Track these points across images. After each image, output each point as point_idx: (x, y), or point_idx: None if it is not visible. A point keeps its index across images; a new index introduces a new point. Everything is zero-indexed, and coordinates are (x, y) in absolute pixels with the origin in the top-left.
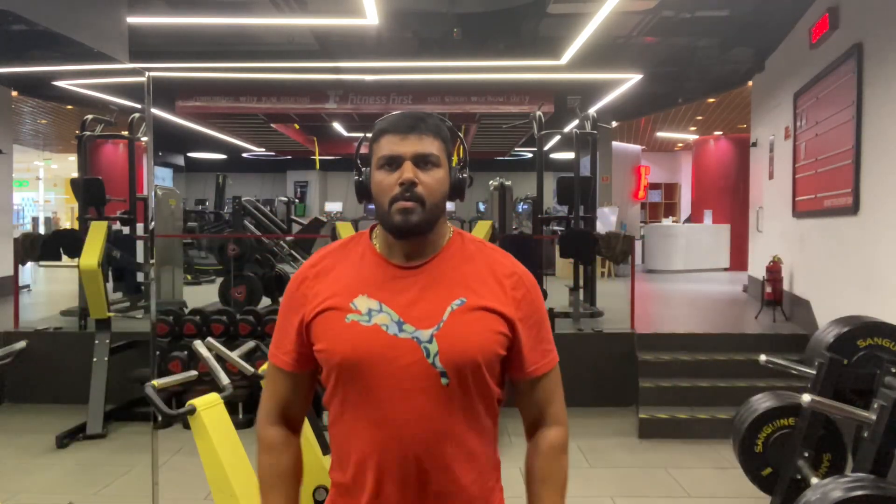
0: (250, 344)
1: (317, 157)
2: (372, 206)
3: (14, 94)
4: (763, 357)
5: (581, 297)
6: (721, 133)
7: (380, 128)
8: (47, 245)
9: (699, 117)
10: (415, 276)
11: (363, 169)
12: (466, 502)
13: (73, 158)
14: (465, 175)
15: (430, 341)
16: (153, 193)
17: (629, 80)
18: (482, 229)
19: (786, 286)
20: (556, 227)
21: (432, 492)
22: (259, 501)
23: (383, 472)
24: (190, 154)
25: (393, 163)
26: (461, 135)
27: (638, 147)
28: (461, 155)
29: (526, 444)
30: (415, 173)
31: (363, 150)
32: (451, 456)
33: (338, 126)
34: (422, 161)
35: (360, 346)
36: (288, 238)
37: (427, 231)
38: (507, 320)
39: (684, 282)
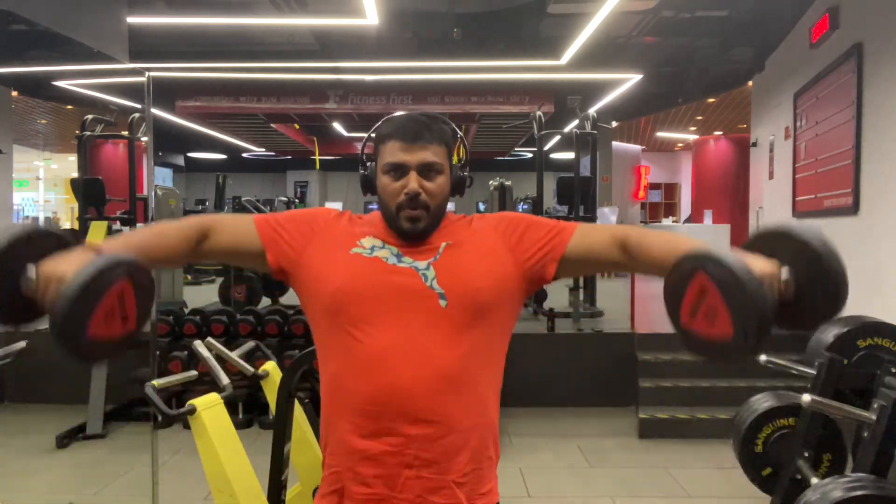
0: (250, 344)
1: (317, 157)
2: (372, 206)
3: (14, 94)
4: (763, 357)
5: (581, 297)
6: (721, 133)
7: (386, 132)
8: None
9: (699, 117)
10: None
11: (369, 164)
12: (460, 435)
13: (73, 158)
14: (465, 173)
15: (427, 268)
16: (153, 193)
17: (629, 80)
18: None
19: None
20: None
21: (423, 420)
22: (258, 501)
23: (378, 405)
24: (190, 154)
25: (398, 170)
26: (462, 134)
27: (638, 147)
28: (461, 154)
29: (626, 260)
30: (420, 183)
31: (367, 150)
32: (447, 388)
33: (338, 126)
34: (426, 169)
35: (358, 273)
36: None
37: (431, 232)
38: (502, 251)
39: None
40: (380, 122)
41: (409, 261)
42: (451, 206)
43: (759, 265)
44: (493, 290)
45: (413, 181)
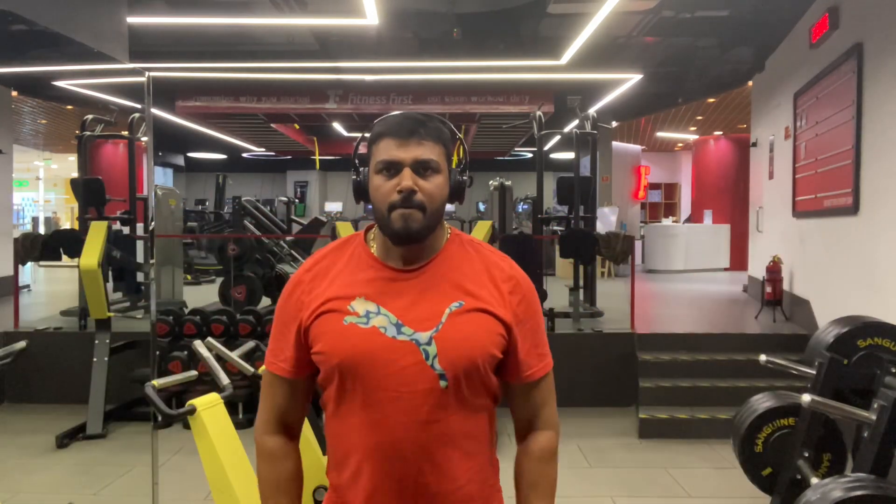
0: (250, 344)
1: (317, 157)
2: (371, 207)
3: (14, 94)
4: (763, 357)
5: (581, 297)
6: (721, 133)
7: (378, 130)
8: (47, 245)
9: (699, 117)
10: (413, 278)
11: (361, 169)
12: (464, 502)
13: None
14: (464, 177)
15: (429, 343)
16: (153, 193)
17: (629, 80)
18: (482, 229)
19: (786, 286)
20: (556, 227)
21: (430, 493)
22: (258, 501)
23: (380, 474)
24: (190, 154)
25: (391, 168)
26: (461, 136)
27: (638, 147)
28: (461, 156)
29: (516, 448)
30: (414, 180)
31: (361, 150)
32: (448, 457)
33: (338, 126)
34: (421, 167)
35: (359, 348)
36: (288, 238)
37: (426, 237)
38: (505, 324)
39: (684, 282)
40: (373, 123)
41: (408, 332)
42: (450, 207)
43: None
44: (493, 358)
45: (407, 178)
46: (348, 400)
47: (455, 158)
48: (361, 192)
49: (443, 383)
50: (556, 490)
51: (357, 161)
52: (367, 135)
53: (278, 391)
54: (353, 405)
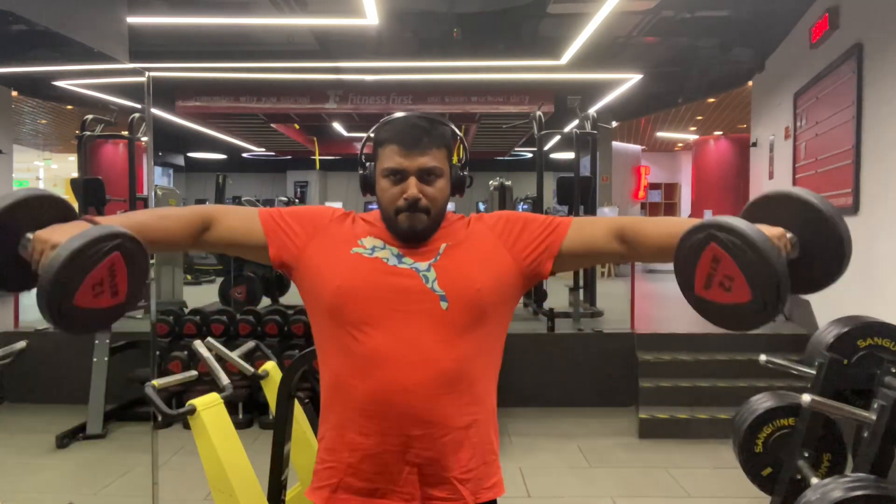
0: (250, 344)
1: (317, 158)
2: (372, 206)
3: (14, 94)
4: (763, 357)
5: (581, 296)
6: (721, 133)
7: (385, 136)
8: None
9: (699, 117)
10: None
11: (368, 164)
12: (461, 432)
13: (73, 158)
14: (465, 173)
15: (427, 270)
16: (153, 193)
17: (629, 80)
18: None
19: None
20: None
21: (424, 420)
22: (258, 501)
23: (379, 406)
24: (190, 154)
25: (397, 174)
26: (461, 135)
27: (638, 147)
28: (461, 154)
29: (626, 250)
30: (419, 188)
31: (367, 150)
32: (449, 395)
33: (338, 126)
34: (426, 174)
35: (359, 272)
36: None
37: (431, 234)
38: (502, 251)
39: None
40: (379, 124)
41: (409, 262)
42: (450, 206)
43: (768, 229)
44: (493, 289)
45: (412, 187)
46: (345, 330)
47: (455, 157)
48: (368, 187)
49: (443, 304)
50: (556, 489)
51: (364, 157)
52: (373, 135)
53: (245, 221)
54: (351, 334)
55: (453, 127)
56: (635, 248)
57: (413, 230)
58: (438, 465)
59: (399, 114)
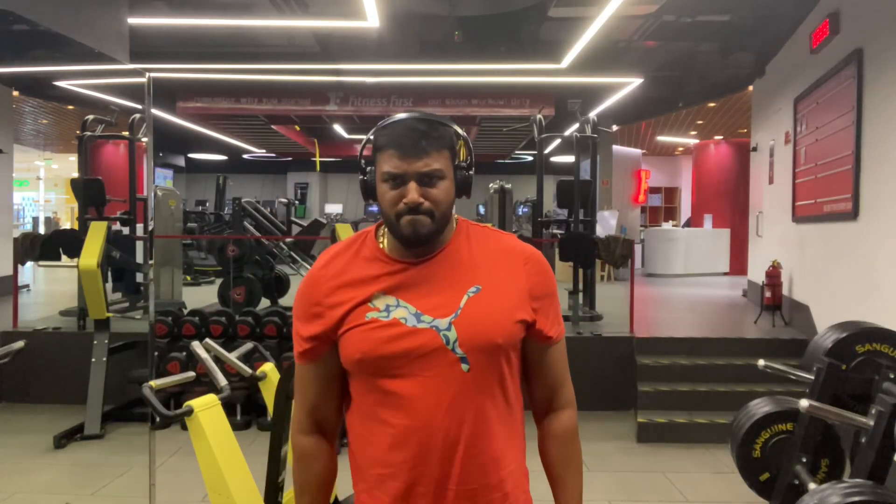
0: (248, 345)
1: (317, 159)
2: (372, 209)
3: (15, 93)
4: (762, 362)
5: (580, 300)
6: (721, 137)
7: (383, 141)
8: (47, 245)
9: (699, 122)
10: (427, 268)
11: (367, 168)
12: (496, 488)
13: (73, 158)
14: (470, 172)
15: (448, 329)
16: (153, 194)
17: (630, 84)
18: None
19: (785, 291)
20: (555, 231)
21: (458, 480)
22: (255, 503)
23: (410, 466)
24: (191, 155)
25: (396, 178)
26: (465, 134)
27: (638, 151)
28: (466, 154)
29: (537, 426)
30: (420, 192)
31: (366, 152)
32: (481, 448)
33: (338, 128)
34: (426, 177)
35: (380, 340)
36: (288, 239)
37: (436, 238)
38: (524, 304)
39: (684, 286)
40: (377, 127)
41: (428, 319)
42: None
43: None
44: (512, 337)
45: (412, 191)
46: (372, 397)
47: (459, 157)
48: (369, 192)
49: (464, 367)
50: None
51: (363, 161)
52: (372, 137)
53: (308, 383)
54: (376, 402)
55: (456, 127)
56: (541, 429)
57: (416, 235)
58: None
59: (398, 115)
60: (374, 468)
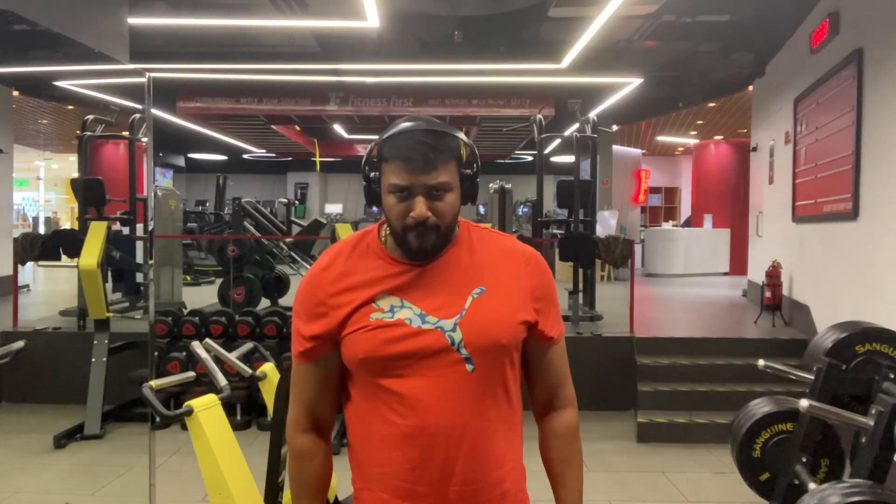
0: (248, 345)
1: (317, 159)
2: (373, 209)
3: (15, 93)
4: (762, 362)
5: (580, 300)
6: (721, 137)
7: (390, 154)
8: (47, 245)
9: (699, 122)
10: (431, 270)
11: (372, 175)
12: (495, 486)
13: (73, 158)
14: (476, 181)
15: (454, 330)
16: (153, 194)
17: (630, 84)
18: None
19: (785, 291)
20: (555, 231)
21: (460, 480)
22: (255, 503)
23: (412, 463)
24: (191, 155)
25: (404, 191)
26: (471, 143)
27: (638, 151)
28: (472, 163)
29: (538, 425)
30: (427, 206)
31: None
32: (482, 448)
33: (338, 128)
34: (434, 190)
35: (385, 340)
36: (288, 239)
37: (442, 249)
38: (527, 304)
39: (684, 286)
40: (383, 138)
41: (433, 320)
42: None
43: None
44: (516, 337)
45: (420, 206)
46: (374, 397)
47: (464, 165)
48: (373, 199)
49: (469, 367)
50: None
51: (367, 167)
52: (378, 148)
53: (307, 382)
54: (378, 402)
55: (462, 136)
56: (541, 426)
57: (423, 248)
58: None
59: (404, 124)
60: (375, 467)
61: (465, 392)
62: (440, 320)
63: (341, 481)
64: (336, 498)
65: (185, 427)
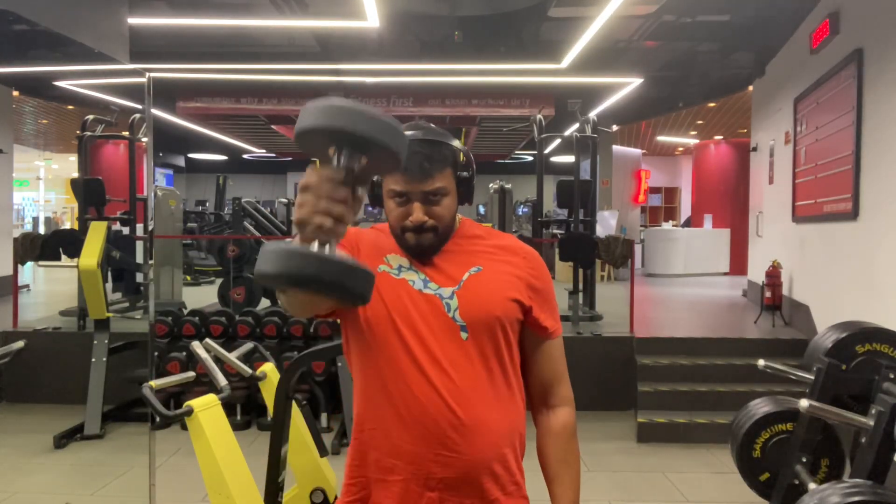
0: (248, 345)
1: (317, 159)
2: (372, 209)
3: (15, 93)
4: (762, 362)
5: (580, 300)
6: (721, 137)
7: None
8: (47, 245)
9: (700, 122)
10: (433, 258)
11: (374, 178)
12: (483, 463)
13: (73, 158)
14: (472, 183)
15: (451, 297)
16: (153, 194)
17: (630, 84)
18: None
19: (785, 291)
20: (555, 231)
21: (446, 446)
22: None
23: (404, 424)
24: (191, 155)
25: (402, 196)
26: (466, 148)
27: (638, 151)
28: (467, 166)
29: (535, 423)
30: (424, 211)
31: None
32: (473, 420)
33: None
34: (431, 195)
35: (388, 294)
36: (287, 239)
37: (440, 248)
38: (522, 288)
39: (684, 286)
40: None
41: (434, 287)
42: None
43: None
44: (511, 312)
45: (417, 211)
46: (373, 349)
47: (459, 169)
48: (376, 201)
49: (463, 335)
50: None
51: None
52: None
53: None
54: (377, 357)
55: (457, 143)
56: (538, 425)
57: (420, 248)
58: (464, 490)
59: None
60: (368, 423)
61: (459, 357)
62: (440, 287)
63: (341, 481)
64: (336, 497)
65: (185, 427)
